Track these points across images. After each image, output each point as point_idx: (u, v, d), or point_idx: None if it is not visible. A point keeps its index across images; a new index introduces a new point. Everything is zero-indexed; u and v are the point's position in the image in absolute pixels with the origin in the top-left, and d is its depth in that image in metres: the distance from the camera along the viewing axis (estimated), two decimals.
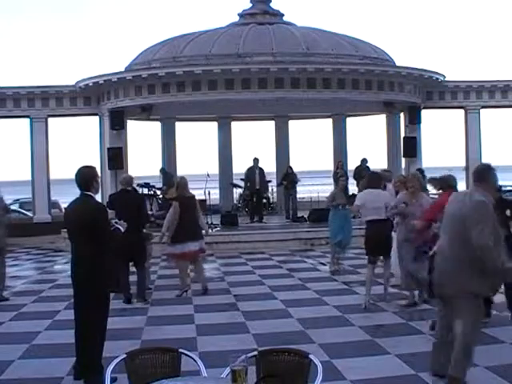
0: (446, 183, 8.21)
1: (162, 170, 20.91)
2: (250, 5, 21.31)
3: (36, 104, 19.73)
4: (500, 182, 7.40)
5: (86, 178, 6.12)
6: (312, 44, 18.71)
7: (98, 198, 6.84)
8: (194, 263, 10.65)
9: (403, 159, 20.64)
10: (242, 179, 21.07)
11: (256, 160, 19.48)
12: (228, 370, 3.45)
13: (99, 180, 6.27)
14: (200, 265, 10.76)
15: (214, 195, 21.08)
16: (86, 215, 6.02)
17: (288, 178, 19.30)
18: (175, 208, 10.25)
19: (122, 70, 19.67)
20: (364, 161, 20.50)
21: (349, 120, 24.19)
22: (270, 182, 21.81)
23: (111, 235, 6.34)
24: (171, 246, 10.39)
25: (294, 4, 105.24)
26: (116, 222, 6.79)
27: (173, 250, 10.37)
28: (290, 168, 19.70)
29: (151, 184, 19.92)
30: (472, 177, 5.45)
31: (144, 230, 10.33)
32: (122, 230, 6.61)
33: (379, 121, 23.08)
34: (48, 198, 20.02)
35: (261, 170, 19.63)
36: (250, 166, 19.60)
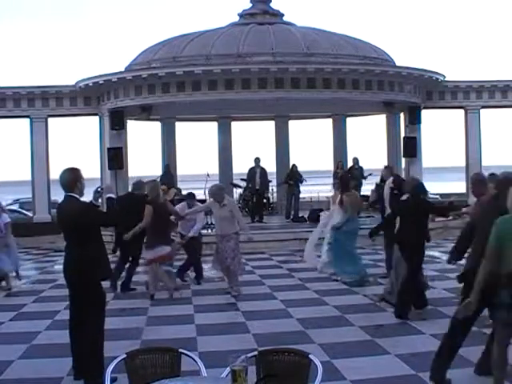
0: None
1: (167, 167, 20.83)
2: (250, 5, 21.29)
3: (36, 104, 19.72)
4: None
5: (68, 179, 6.15)
6: (312, 44, 18.70)
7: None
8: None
9: (403, 159, 20.65)
10: (242, 179, 21.08)
11: (257, 160, 19.48)
12: (228, 369, 3.45)
13: (83, 181, 6.24)
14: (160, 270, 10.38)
15: None
16: (70, 217, 6.09)
17: (293, 177, 19.29)
18: (150, 212, 9.98)
19: (122, 69, 19.66)
20: (355, 160, 20.41)
21: (349, 120, 24.20)
22: (270, 181, 21.81)
23: (106, 215, 6.31)
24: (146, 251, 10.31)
25: (293, 4, 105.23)
26: (102, 189, 6.37)
27: (146, 254, 10.31)
28: (295, 166, 19.69)
29: None
30: None
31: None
32: (113, 196, 6.49)
33: (379, 121, 23.13)
34: (48, 198, 19.99)
35: (262, 169, 19.63)
36: (251, 166, 19.59)
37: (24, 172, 20.74)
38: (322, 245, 12.05)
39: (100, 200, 6.49)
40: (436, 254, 13.66)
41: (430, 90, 20.74)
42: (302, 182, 19.49)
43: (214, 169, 23.22)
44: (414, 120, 19.83)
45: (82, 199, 6.22)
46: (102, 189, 6.29)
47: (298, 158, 27.28)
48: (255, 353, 3.94)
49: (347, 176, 13.12)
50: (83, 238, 6.03)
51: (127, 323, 8.51)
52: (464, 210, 9.39)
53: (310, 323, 8.25)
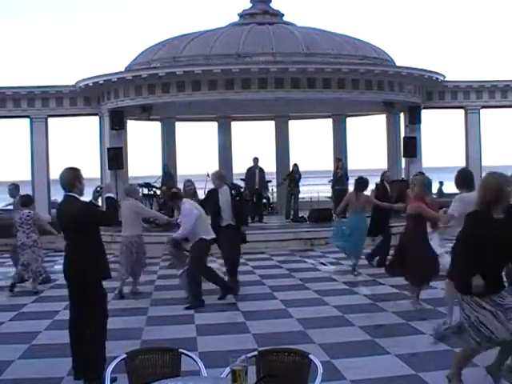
0: None
1: (165, 168, 20.81)
2: (250, 5, 21.31)
3: (36, 104, 19.72)
4: None
5: (67, 179, 6.16)
6: (312, 44, 18.71)
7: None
8: None
9: (403, 159, 20.66)
10: (242, 179, 21.08)
11: (256, 160, 19.48)
12: (228, 369, 3.45)
13: (83, 181, 6.24)
14: None
15: None
16: (70, 216, 6.09)
17: (292, 176, 19.29)
18: None
19: (122, 70, 19.67)
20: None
21: (349, 120, 24.21)
22: (269, 181, 21.79)
23: (105, 215, 6.31)
24: None
25: (294, 4, 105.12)
26: (101, 188, 6.30)
27: None
28: (296, 166, 19.69)
29: (151, 184, 19.88)
30: None
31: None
32: (113, 195, 6.49)
33: (379, 121, 23.11)
34: (48, 198, 19.99)
35: (261, 169, 19.62)
36: (250, 166, 19.59)
37: (24, 172, 20.73)
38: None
39: (100, 199, 6.48)
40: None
41: (430, 90, 20.75)
42: (298, 180, 19.50)
43: (213, 169, 23.14)
44: (414, 120, 19.83)
45: (82, 199, 6.22)
46: (101, 188, 6.27)
47: (298, 158, 27.33)
48: (255, 353, 3.94)
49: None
50: (83, 237, 6.04)
51: (127, 323, 8.51)
52: None
53: (310, 323, 8.25)
